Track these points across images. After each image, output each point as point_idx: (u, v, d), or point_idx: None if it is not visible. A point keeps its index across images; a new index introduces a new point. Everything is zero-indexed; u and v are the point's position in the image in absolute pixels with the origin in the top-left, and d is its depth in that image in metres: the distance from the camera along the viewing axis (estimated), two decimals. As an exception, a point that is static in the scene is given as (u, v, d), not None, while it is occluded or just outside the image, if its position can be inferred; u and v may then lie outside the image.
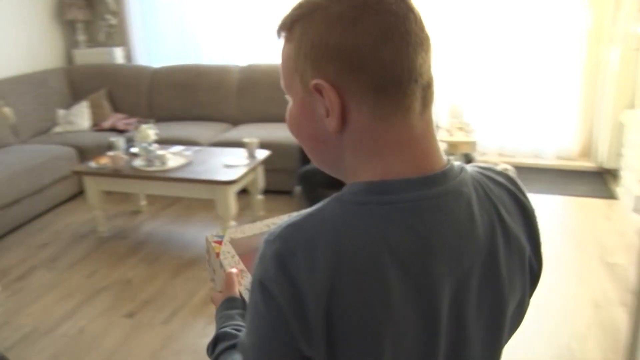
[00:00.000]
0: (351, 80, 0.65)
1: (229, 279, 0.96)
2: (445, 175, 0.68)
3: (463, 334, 0.70)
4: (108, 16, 5.19)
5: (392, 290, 0.63)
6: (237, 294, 0.94)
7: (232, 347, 0.83)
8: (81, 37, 5.25)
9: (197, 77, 4.81)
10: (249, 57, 4.89)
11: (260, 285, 0.64)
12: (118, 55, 5.19)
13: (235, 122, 4.71)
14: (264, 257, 0.64)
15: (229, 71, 4.78)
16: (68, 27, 5.25)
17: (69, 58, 5.30)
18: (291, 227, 0.65)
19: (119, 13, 5.14)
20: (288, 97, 0.73)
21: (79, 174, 3.51)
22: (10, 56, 4.67)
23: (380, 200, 0.65)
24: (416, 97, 0.66)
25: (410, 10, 0.66)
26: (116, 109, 4.98)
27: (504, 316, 0.73)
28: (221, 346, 0.85)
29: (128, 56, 5.26)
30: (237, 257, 1.05)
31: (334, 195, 0.68)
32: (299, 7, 0.69)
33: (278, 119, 4.33)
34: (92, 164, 3.52)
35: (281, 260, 0.62)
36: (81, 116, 4.81)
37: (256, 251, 0.68)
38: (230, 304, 0.92)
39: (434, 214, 0.66)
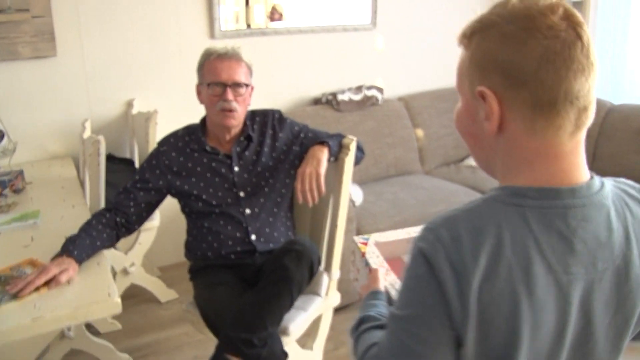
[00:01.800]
0: (511, 93, 0.74)
1: (375, 275, 1.10)
2: (589, 188, 0.77)
3: (589, 329, 0.78)
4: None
5: (537, 283, 0.73)
6: (382, 289, 1.08)
7: (374, 328, 0.94)
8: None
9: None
10: None
11: (425, 261, 0.74)
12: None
13: None
14: (426, 239, 0.75)
15: None
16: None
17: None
18: (453, 218, 0.76)
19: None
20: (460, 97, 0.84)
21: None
22: (438, 67, 3.90)
23: (534, 204, 0.75)
24: (569, 118, 0.74)
25: (578, 38, 0.73)
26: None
27: (631, 316, 0.81)
28: (364, 327, 0.95)
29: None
30: (381, 258, 1.15)
31: (485, 196, 0.78)
32: (479, 21, 0.79)
33: None
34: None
35: (447, 244, 0.73)
36: (502, 150, 3.72)
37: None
38: (374, 296, 1.05)
39: (578, 221, 0.75)
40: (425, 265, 0.74)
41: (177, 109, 2.96)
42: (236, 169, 1.86)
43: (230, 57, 1.79)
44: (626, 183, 0.86)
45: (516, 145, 0.77)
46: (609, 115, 3.40)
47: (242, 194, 1.85)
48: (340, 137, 1.91)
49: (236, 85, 1.79)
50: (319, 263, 1.86)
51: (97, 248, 1.64)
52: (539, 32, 0.72)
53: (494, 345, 0.74)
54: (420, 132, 3.60)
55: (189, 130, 1.90)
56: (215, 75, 1.77)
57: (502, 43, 0.74)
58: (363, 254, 1.16)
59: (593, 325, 0.78)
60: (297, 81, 3.38)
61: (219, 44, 1.89)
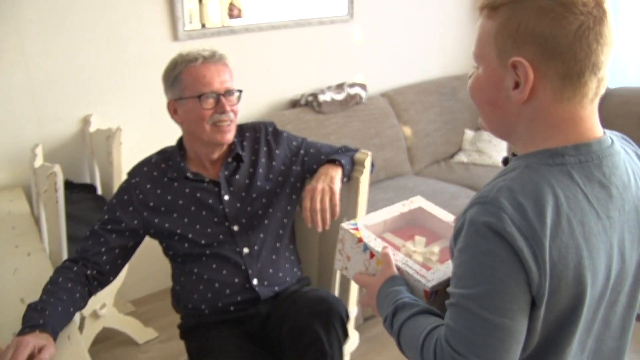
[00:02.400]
0: (546, 64, 0.78)
1: (387, 259, 1.05)
2: (607, 140, 0.85)
3: (624, 268, 0.84)
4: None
5: (592, 232, 0.79)
6: (396, 272, 1.03)
7: (416, 314, 0.90)
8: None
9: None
10: None
11: (494, 234, 0.75)
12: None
13: None
14: (489, 212, 0.76)
15: None
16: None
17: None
18: (506, 188, 0.78)
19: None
20: (476, 65, 0.87)
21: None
22: (420, 59, 3.63)
23: (574, 160, 0.81)
24: (591, 87, 0.80)
25: (605, 14, 0.78)
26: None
27: None
28: (403, 315, 0.92)
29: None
30: (379, 240, 1.12)
31: (521, 163, 0.82)
32: None
33: None
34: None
35: (512, 213, 0.75)
36: (494, 144, 3.50)
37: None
38: (393, 281, 1.00)
39: (611, 169, 0.83)
40: (495, 238, 0.75)
41: (142, 122, 2.61)
42: (226, 197, 1.53)
43: (216, 60, 1.47)
44: (615, 133, 0.92)
45: (543, 113, 0.81)
46: (606, 101, 3.14)
47: (236, 227, 1.53)
48: (351, 152, 1.61)
49: (229, 93, 1.49)
50: (347, 315, 1.50)
51: (71, 315, 1.29)
52: (575, 8, 0.77)
53: (563, 298, 0.78)
54: (407, 130, 3.33)
55: (165, 155, 1.57)
56: (205, 85, 1.44)
57: (539, 16, 0.77)
58: (360, 240, 1.12)
59: (626, 263, 0.85)
60: (272, 82, 3.05)
61: (185, 47, 1.57)
